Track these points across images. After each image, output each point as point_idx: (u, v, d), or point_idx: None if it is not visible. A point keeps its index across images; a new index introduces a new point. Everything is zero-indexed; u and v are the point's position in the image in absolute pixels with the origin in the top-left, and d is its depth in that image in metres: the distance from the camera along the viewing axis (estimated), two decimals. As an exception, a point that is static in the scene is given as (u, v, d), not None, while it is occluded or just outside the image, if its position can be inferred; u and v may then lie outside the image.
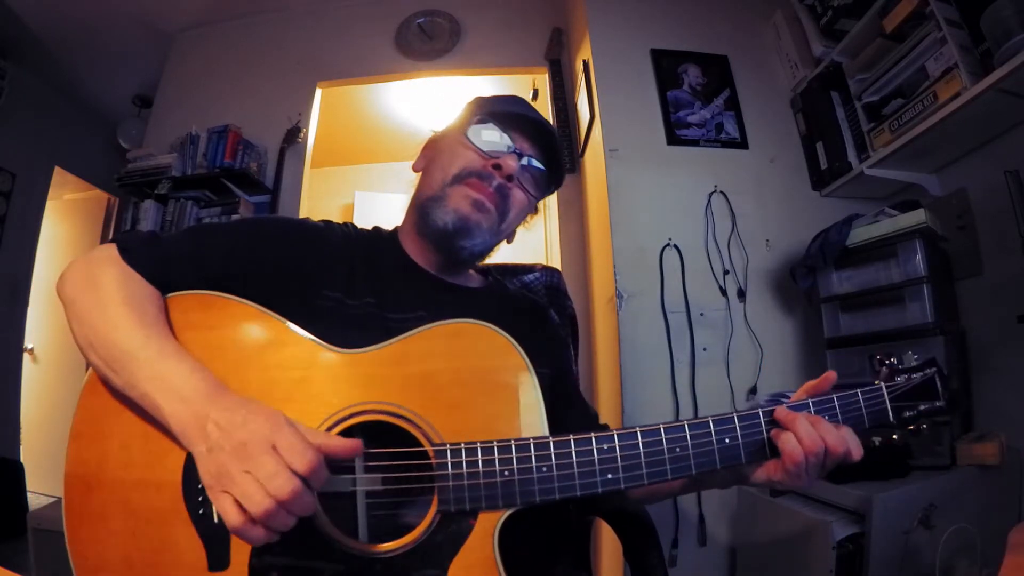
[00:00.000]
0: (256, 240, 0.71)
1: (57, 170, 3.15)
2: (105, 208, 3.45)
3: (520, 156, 0.77)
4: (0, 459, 2.49)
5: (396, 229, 0.85)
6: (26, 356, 3.11)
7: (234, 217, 2.32)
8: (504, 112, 0.79)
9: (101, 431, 0.59)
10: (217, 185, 2.41)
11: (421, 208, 0.77)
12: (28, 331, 3.02)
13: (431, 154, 0.83)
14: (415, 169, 0.84)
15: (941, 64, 1.41)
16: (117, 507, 0.57)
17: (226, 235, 0.70)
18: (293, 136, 2.50)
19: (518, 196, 0.78)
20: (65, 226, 3.47)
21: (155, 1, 2.66)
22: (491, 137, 0.77)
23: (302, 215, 0.72)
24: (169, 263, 0.64)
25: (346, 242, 0.77)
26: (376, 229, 0.85)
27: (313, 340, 0.61)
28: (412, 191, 0.84)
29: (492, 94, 0.86)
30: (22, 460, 2.66)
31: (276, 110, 2.57)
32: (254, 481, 0.46)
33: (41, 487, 2.75)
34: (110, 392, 0.59)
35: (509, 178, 0.75)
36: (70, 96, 3.25)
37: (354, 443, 0.52)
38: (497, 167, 0.74)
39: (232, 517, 0.47)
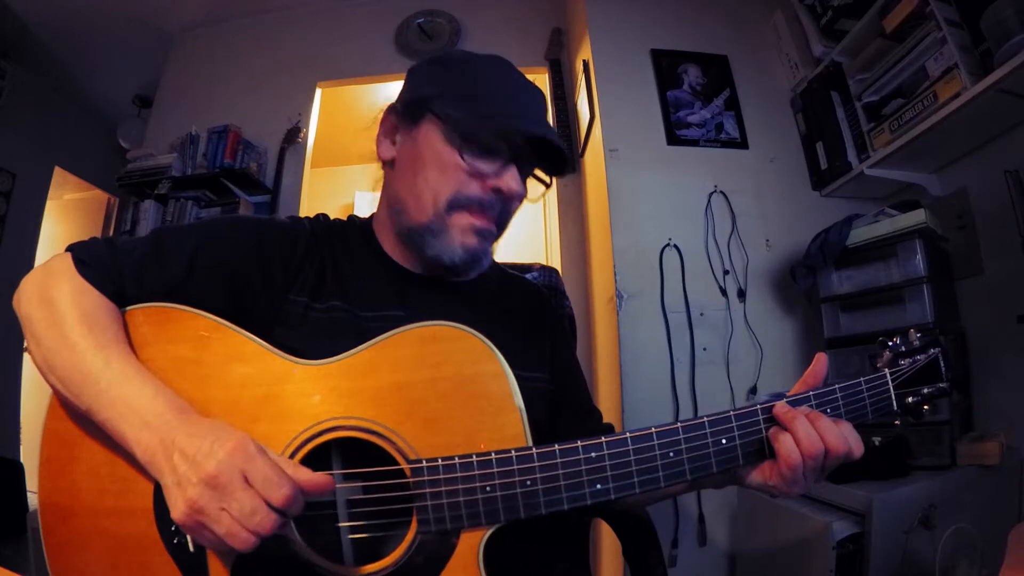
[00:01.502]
0: (218, 243, 0.66)
1: (57, 170, 3.15)
2: (105, 208, 3.45)
3: (520, 168, 0.69)
4: (0, 459, 2.49)
5: (372, 218, 0.78)
6: (26, 356, 3.10)
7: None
8: (503, 116, 0.67)
9: (70, 457, 0.57)
10: (217, 185, 2.41)
11: (412, 232, 0.69)
12: (28, 331, 3.01)
13: (400, 149, 0.71)
14: (382, 157, 0.73)
15: (941, 64, 1.41)
16: (94, 536, 0.55)
17: (186, 239, 0.65)
18: (293, 136, 2.51)
19: (516, 204, 0.72)
20: (65, 226, 3.47)
21: (155, 1, 2.66)
22: (489, 152, 0.67)
23: (302, 215, 0.70)
24: (126, 273, 0.61)
25: (313, 239, 0.71)
26: (351, 219, 0.79)
27: (278, 353, 0.58)
28: (382, 179, 0.76)
29: (471, 60, 0.71)
30: (22, 460, 2.65)
31: (276, 110, 2.57)
32: (234, 520, 0.45)
33: (41, 487, 2.74)
34: (71, 416, 0.57)
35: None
36: (70, 96, 3.24)
37: (326, 479, 0.49)
38: (497, 190, 0.67)
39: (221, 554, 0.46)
